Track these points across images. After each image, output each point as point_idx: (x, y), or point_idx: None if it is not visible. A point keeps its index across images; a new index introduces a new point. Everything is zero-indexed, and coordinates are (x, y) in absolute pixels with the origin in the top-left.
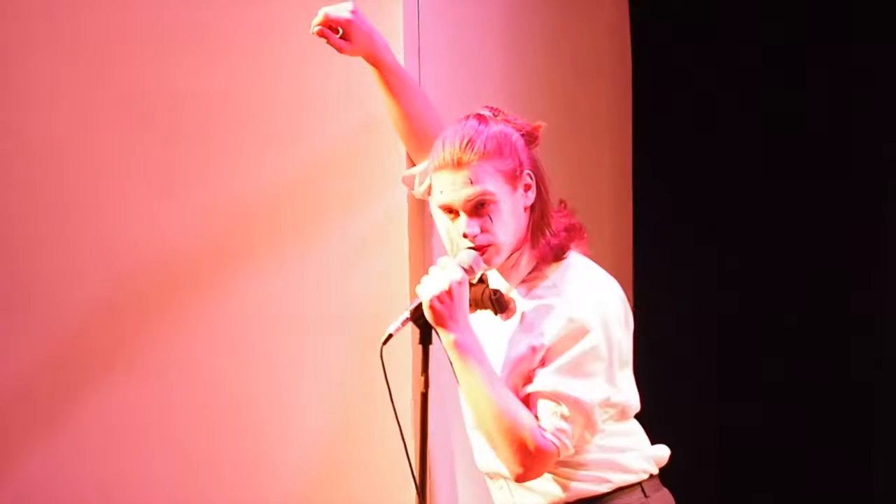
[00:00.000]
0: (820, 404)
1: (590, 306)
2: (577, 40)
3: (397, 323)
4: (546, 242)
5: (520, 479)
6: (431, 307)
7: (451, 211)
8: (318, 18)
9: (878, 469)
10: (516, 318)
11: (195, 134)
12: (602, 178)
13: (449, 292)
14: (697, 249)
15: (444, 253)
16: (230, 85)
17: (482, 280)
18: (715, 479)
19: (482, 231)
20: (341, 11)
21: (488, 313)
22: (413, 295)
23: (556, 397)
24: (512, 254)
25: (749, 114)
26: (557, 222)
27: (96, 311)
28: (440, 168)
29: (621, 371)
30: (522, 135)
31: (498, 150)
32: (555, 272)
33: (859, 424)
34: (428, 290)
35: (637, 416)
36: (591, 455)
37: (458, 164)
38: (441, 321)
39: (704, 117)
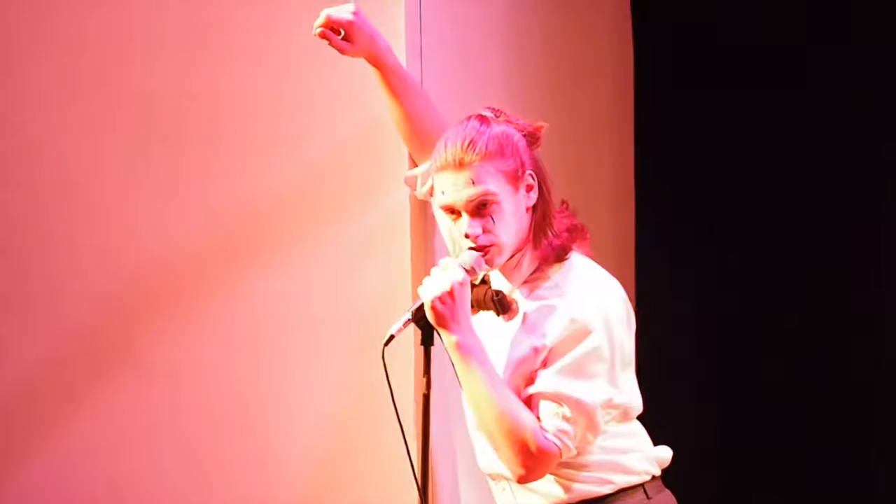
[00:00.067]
0: (820, 404)
1: (592, 307)
2: (577, 40)
3: (399, 324)
4: (548, 243)
5: (522, 480)
6: (433, 308)
7: (452, 211)
8: (320, 20)
9: (878, 469)
10: (518, 318)
11: (200, 135)
12: (603, 179)
13: (451, 293)
14: (698, 249)
15: (447, 254)
16: (234, 86)
17: (484, 281)
18: (715, 479)
19: (484, 232)
20: (343, 13)
21: (490, 314)
22: (415, 296)
23: (557, 398)
24: (514, 254)
25: (749, 114)
26: (559, 223)
27: (103, 311)
28: (442, 169)
29: (623, 372)
30: (524, 135)
31: (499, 150)
32: (557, 273)
33: (859, 424)
34: (430, 290)
35: (638, 417)
36: (594, 456)
37: (460, 165)
38: (443, 322)
39: (705, 117)
